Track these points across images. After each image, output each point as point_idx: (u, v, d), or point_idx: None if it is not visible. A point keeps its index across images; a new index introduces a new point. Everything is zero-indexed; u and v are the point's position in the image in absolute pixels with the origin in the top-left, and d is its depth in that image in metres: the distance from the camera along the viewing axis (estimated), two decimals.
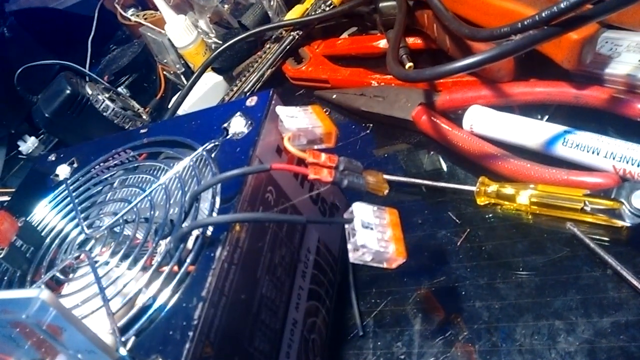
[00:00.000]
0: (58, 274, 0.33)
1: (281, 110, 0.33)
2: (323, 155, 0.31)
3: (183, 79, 0.74)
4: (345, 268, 0.41)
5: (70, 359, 0.26)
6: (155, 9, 0.77)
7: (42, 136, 0.79)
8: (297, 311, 0.34)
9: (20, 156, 0.78)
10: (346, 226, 0.29)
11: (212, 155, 0.33)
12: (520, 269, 0.36)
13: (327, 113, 0.55)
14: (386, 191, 0.32)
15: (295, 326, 0.33)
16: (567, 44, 0.37)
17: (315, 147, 0.33)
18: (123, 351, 0.25)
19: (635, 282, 0.32)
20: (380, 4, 0.55)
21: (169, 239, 0.30)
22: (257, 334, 0.29)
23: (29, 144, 0.75)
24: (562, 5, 0.31)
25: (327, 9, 0.60)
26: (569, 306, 0.33)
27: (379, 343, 0.37)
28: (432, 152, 0.47)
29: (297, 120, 0.32)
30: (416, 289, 0.39)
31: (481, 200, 0.40)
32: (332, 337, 0.38)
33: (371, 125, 0.52)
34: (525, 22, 0.32)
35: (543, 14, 0.32)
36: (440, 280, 0.38)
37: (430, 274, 0.39)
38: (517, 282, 0.36)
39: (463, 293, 0.37)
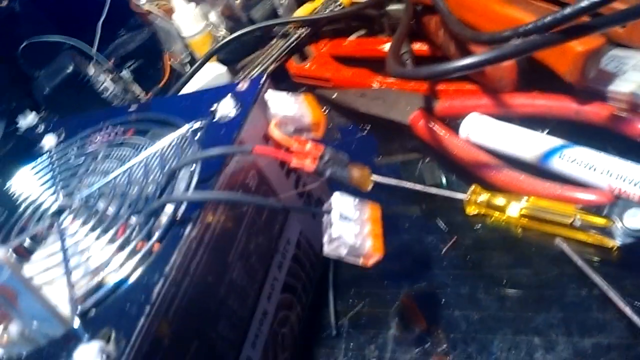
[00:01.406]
0: (28, 241, 0.32)
1: (271, 95, 0.32)
2: (309, 144, 0.30)
3: (188, 68, 0.74)
4: (325, 265, 0.40)
5: (25, 326, 0.25)
6: None
7: (42, 113, 0.78)
8: (269, 302, 0.33)
9: (18, 133, 0.78)
10: (324, 217, 0.28)
11: (197, 136, 0.33)
12: (504, 282, 0.35)
13: (325, 111, 0.54)
14: (370, 186, 0.31)
15: (265, 317, 0.32)
16: (571, 56, 0.36)
17: (303, 136, 0.32)
18: (77, 321, 0.24)
19: (621, 304, 0.30)
20: (389, 7, 0.55)
21: (140, 214, 0.29)
22: (222, 320, 0.28)
23: (29, 120, 0.75)
24: (565, 12, 0.30)
25: (337, 9, 0.60)
26: (550, 323, 0.32)
27: (351, 344, 0.36)
28: (426, 158, 0.46)
29: (286, 107, 0.32)
30: (396, 292, 0.38)
31: (471, 209, 0.39)
32: (304, 334, 0.37)
33: (368, 126, 0.51)
34: (528, 27, 0.31)
35: (546, 20, 0.31)
36: (421, 286, 0.37)
37: (411, 279, 0.38)
38: (500, 294, 0.35)
39: (443, 300, 0.36)
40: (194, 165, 0.30)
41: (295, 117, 0.31)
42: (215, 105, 0.34)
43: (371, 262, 0.28)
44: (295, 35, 0.60)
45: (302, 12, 0.62)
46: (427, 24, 0.49)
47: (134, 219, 0.29)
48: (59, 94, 0.62)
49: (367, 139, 0.51)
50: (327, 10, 0.60)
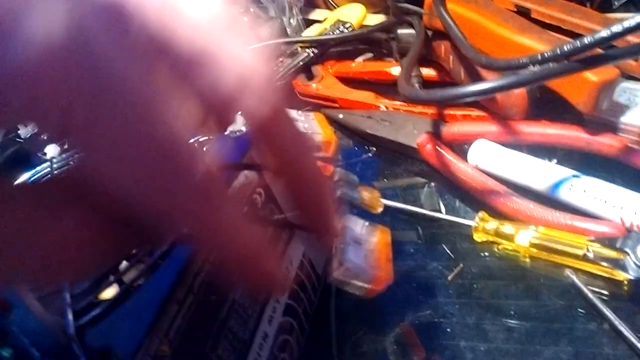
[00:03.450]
0: None
1: None
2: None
3: None
4: (327, 290, 0.39)
5: (18, 342, 0.24)
6: None
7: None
8: (270, 325, 0.32)
9: (18, 139, 0.77)
10: (335, 241, 0.27)
11: (205, 148, 0.32)
12: (512, 313, 0.34)
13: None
14: (380, 209, 0.30)
15: (266, 340, 0.31)
16: (585, 86, 0.36)
17: None
18: (74, 338, 0.23)
19: (633, 340, 0.30)
20: (399, 31, 0.54)
21: None
22: (223, 341, 0.27)
23: (28, 128, 0.74)
24: (585, 41, 0.30)
25: (346, 31, 0.60)
26: (559, 357, 0.31)
27: None
28: (433, 183, 0.45)
29: (298, 124, 0.31)
30: (399, 320, 0.37)
31: (478, 237, 0.38)
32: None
33: (374, 149, 0.51)
34: (546, 55, 0.31)
35: (565, 48, 0.30)
36: (425, 314, 0.36)
37: (416, 306, 0.37)
38: (507, 325, 0.34)
39: (448, 330, 0.35)
40: None
41: (307, 134, 0.31)
42: None
43: (379, 287, 0.27)
44: (304, 55, 0.60)
45: (311, 32, 0.62)
46: (437, 49, 0.49)
47: None
48: None
49: (372, 161, 0.50)
50: (337, 32, 0.60)
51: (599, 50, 0.32)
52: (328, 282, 0.39)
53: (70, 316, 0.24)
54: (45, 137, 0.42)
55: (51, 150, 0.40)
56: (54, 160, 0.38)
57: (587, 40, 0.29)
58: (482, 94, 0.33)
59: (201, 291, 0.25)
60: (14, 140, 0.80)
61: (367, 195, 0.30)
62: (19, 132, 0.77)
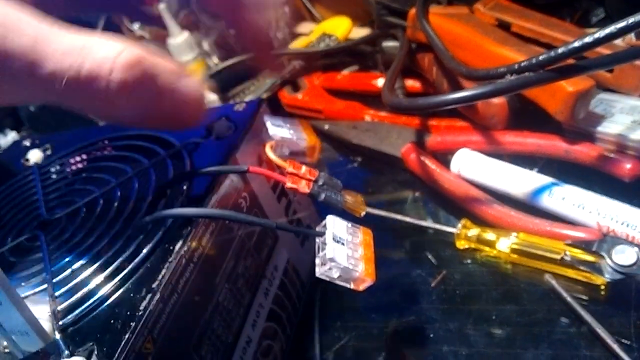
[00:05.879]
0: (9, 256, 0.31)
1: (268, 118, 0.32)
2: (303, 167, 0.30)
3: None
4: (312, 297, 0.40)
5: (0, 340, 0.24)
6: (162, 26, 0.78)
7: (23, 132, 0.77)
8: (254, 330, 0.32)
9: None
10: (317, 239, 0.28)
11: (190, 153, 0.32)
12: (493, 318, 0.35)
13: None
14: (363, 213, 0.31)
15: (249, 345, 0.31)
16: (561, 96, 0.37)
17: (297, 160, 0.32)
18: (58, 335, 0.23)
19: (609, 342, 0.30)
20: (384, 44, 0.56)
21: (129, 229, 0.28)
22: (206, 342, 0.27)
23: (8, 138, 0.73)
24: (559, 51, 0.31)
25: (331, 43, 0.61)
26: None
27: None
28: (417, 192, 0.46)
29: (282, 130, 0.32)
30: (383, 326, 0.37)
31: (461, 244, 0.39)
32: None
33: (359, 159, 0.51)
34: (523, 64, 0.32)
35: (540, 57, 0.31)
36: (409, 320, 0.37)
37: (399, 312, 0.37)
38: (488, 330, 0.34)
39: (431, 335, 0.35)
40: (186, 182, 0.29)
41: (291, 140, 0.31)
42: (210, 124, 0.34)
43: (362, 286, 0.28)
44: (290, 67, 0.61)
45: (296, 44, 0.63)
46: (420, 61, 0.50)
47: (122, 234, 0.28)
48: (44, 112, 0.61)
49: (358, 171, 0.51)
50: (322, 44, 0.61)
51: (574, 61, 0.33)
52: (312, 288, 0.39)
53: (55, 314, 0.24)
54: (27, 143, 0.42)
55: (34, 155, 0.39)
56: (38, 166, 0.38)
57: (561, 50, 0.30)
58: (462, 102, 0.34)
59: (185, 291, 0.26)
60: None
61: (351, 199, 0.30)
62: None
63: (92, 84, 0.22)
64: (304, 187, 0.29)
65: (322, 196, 0.29)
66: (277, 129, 0.31)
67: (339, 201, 0.29)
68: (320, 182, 0.30)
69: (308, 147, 0.31)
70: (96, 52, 0.22)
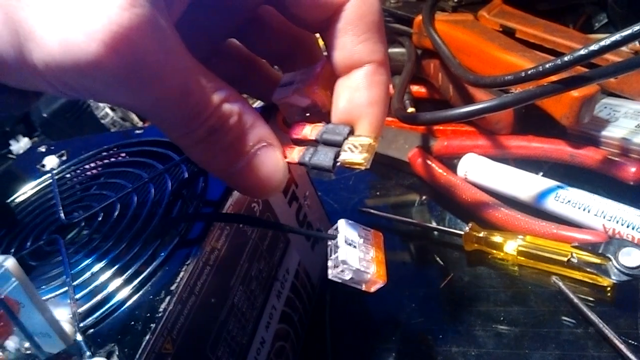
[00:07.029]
0: (29, 259, 0.31)
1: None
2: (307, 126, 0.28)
3: None
4: (322, 299, 0.40)
5: (22, 342, 0.25)
6: None
7: (35, 138, 0.78)
8: (267, 331, 0.33)
9: (9, 155, 0.77)
10: (329, 242, 0.28)
11: None
12: (501, 319, 0.35)
13: None
14: (368, 164, 0.28)
15: (263, 346, 0.32)
16: (567, 101, 0.37)
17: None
18: (79, 337, 0.24)
19: (617, 342, 0.31)
20: (390, 50, 0.56)
21: (146, 232, 0.29)
22: (222, 343, 0.28)
23: (21, 144, 0.74)
24: (565, 59, 0.31)
25: None
26: None
27: None
28: (424, 195, 0.47)
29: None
30: (393, 328, 0.37)
31: (469, 246, 0.39)
32: None
33: None
34: (529, 72, 0.33)
35: (547, 65, 0.32)
36: (418, 322, 0.37)
37: (408, 315, 0.38)
38: (497, 331, 0.35)
39: (440, 337, 0.36)
40: (202, 186, 0.30)
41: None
42: None
43: (374, 288, 0.28)
44: None
45: None
46: (426, 68, 0.51)
47: (139, 238, 0.29)
48: (57, 119, 0.62)
49: (365, 175, 0.52)
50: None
51: (579, 68, 0.33)
52: (322, 290, 0.40)
53: (76, 316, 0.25)
54: (43, 149, 0.43)
55: (50, 161, 0.40)
56: (54, 171, 0.39)
57: (567, 58, 0.31)
58: (470, 116, 0.35)
59: (202, 293, 0.26)
60: (5, 157, 0.81)
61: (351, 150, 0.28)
62: (10, 147, 0.78)
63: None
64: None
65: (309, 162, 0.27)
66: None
67: (327, 161, 0.27)
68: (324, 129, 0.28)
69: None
70: None
